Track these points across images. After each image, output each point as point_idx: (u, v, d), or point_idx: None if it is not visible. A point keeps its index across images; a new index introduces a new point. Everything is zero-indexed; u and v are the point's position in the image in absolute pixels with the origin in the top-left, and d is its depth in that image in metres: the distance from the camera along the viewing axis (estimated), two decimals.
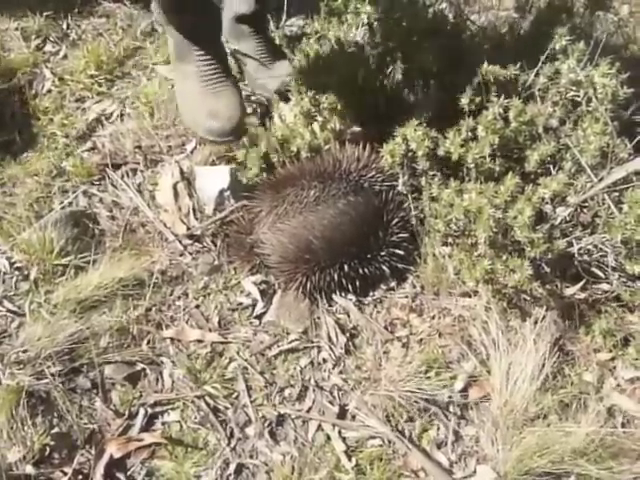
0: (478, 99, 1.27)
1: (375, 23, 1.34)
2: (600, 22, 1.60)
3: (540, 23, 1.42)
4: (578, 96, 1.24)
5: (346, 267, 1.31)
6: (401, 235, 1.35)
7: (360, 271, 1.33)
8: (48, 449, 1.17)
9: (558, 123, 1.28)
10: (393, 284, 1.38)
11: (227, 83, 1.40)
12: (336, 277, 1.31)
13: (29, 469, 1.14)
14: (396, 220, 1.35)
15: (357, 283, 1.34)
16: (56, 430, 1.19)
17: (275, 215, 1.34)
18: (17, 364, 1.22)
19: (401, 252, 1.35)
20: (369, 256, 1.33)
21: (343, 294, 1.36)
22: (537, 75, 1.29)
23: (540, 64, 1.29)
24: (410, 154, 1.30)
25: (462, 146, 1.23)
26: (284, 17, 1.80)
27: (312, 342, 1.31)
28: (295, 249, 1.31)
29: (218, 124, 1.37)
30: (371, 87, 1.44)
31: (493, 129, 1.22)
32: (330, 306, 1.35)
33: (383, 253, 1.34)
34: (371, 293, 1.37)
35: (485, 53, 1.42)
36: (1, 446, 1.15)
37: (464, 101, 1.27)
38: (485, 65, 1.27)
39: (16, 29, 1.82)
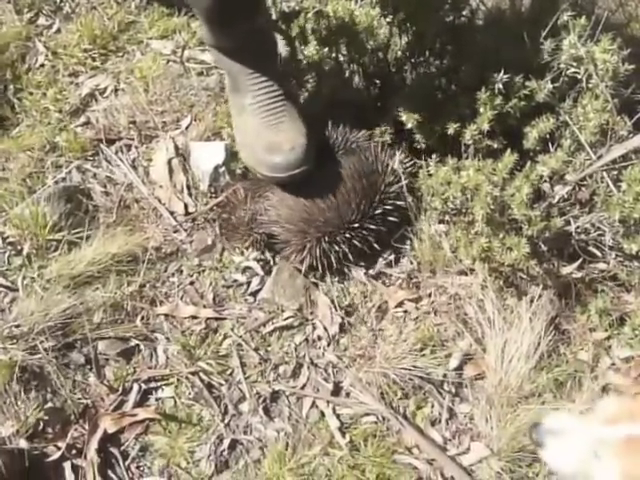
0: (478, 74, 1.26)
1: None
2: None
3: None
4: (578, 72, 1.22)
5: (352, 232, 1.29)
6: (396, 195, 1.34)
7: (364, 234, 1.31)
8: (42, 424, 1.17)
9: (558, 100, 1.26)
10: (390, 258, 1.37)
11: (287, 111, 1.29)
12: (342, 243, 1.29)
13: (22, 443, 1.14)
14: (391, 179, 1.34)
15: (359, 251, 1.32)
16: (49, 405, 1.19)
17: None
18: (10, 339, 1.22)
19: (401, 203, 1.34)
20: (372, 214, 1.32)
21: (342, 268, 1.35)
22: (537, 51, 1.27)
23: (541, 40, 1.27)
24: (406, 131, 1.29)
25: (459, 121, 1.22)
26: None
27: (307, 319, 1.31)
28: (302, 210, 1.29)
29: (280, 158, 1.25)
30: (369, 62, 1.42)
31: (492, 105, 1.21)
32: (325, 281, 1.34)
33: (384, 208, 1.33)
34: (367, 269, 1.36)
35: (486, 28, 1.40)
36: None
37: (463, 76, 1.25)
38: (485, 40, 1.25)
39: (8, 2, 1.77)
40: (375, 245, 1.34)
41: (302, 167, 1.26)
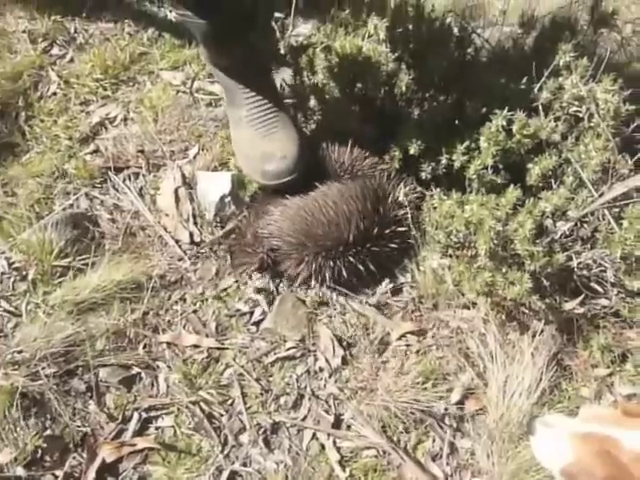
0: (482, 111, 1.28)
1: (382, 34, 1.35)
2: (603, 40, 1.62)
3: (544, 39, 1.43)
4: (580, 111, 1.24)
5: (351, 251, 1.31)
6: (398, 223, 1.36)
7: (362, 256, 1.32)
8: (40, 451, 1.16)
9: (560, 138, 1.28)
10: (391, 289, 1.37)
11: (280, 121, 1.37)
12: (339, 260, 1.31)
13: (20, 471, 1.13)
14: (394, 207, 1.36)
15: (358, 274, 1.33)
16: (49, 432, 1.18)
17: (279, 198, 1.35)
18: (12, 364, 1.22)
19: (402, 229, 1.36)
20: (373, 236, 1.33)
21: (342, 296, 1.36)
22: (540, 90, 1.30)
23: (544, 79, 1.29)
24: (412, 164, 1.31)
25: (464, 154, 1.23)
26: (290, 27, 1.81)
27: (309, 350, 1.31)
28: (303, 222, 1.31)
29: (272, 166, 1.33)
30: (376, 97, 1.44)
31: (495, 141, 1.23)
32: (327, 312, 1.35)
33: (385, 233, 1.34)
34: (368, 299, 1.37)
35: (489, 67, 1.43)
36: None
37: (468, 113, 1.27)
38: (489, 78, 1.28)
39: (23, 31, 1.82)
40: (372, 268, 1.34)
41: (293, 174, 1.34)
